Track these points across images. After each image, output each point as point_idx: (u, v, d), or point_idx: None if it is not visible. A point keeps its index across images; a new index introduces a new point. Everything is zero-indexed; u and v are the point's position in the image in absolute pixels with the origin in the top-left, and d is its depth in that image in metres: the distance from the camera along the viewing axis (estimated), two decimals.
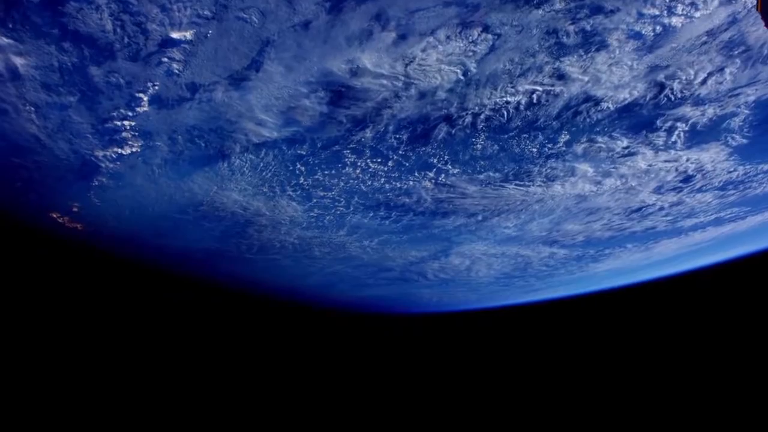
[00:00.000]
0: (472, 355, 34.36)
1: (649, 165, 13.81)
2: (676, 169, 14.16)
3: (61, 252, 19.11)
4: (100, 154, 12.84)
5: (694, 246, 22.72)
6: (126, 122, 11.57)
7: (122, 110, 11.21)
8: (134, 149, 12.57)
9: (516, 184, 14.19)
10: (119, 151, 12.68)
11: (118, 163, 13.30)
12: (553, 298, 33.60)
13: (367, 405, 24.96)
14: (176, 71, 9.97)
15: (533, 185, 14.37)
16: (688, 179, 14.77)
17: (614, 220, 17.46)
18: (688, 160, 13.73)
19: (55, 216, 17.66)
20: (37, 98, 10.90)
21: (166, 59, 9.72)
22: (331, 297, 27.64)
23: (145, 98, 10.81)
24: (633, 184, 14.84)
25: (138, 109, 11.10)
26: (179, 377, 22.16)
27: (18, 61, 9.84)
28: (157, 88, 10.47)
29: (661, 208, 16.81)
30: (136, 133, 12.02)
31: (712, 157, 13.72)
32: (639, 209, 16.72)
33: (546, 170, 13.62)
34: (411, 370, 31.79)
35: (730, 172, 14.64)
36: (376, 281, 23.41)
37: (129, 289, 21.14)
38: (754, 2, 8.58)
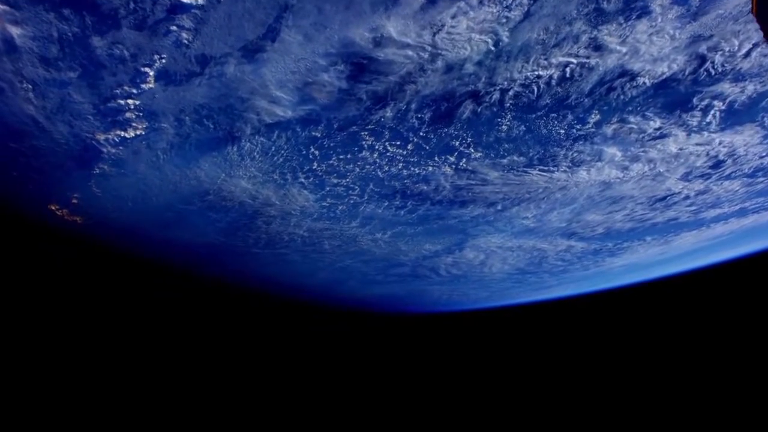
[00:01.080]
0: (482, 356, 33.57)
1: (680, 149, 13.14)
2: (707, 154, 13.49)
3: (60, 247, 18.31)
4: (101, 137, 12.09)
5: (713, 240, 22.05)
6: (130, 101, 10.84)
7: (126, 87, 10.47)
8: (138, 131, 11.82)
9: (540, 170, 13.50)
10: (122, 134, 11.93)
11: (120, 148, 12.55)
12: (564, 296, 32.90)
13: (376, 407, 24.14)
14: (185, 41, 9.25)
15: (558, 171, 13.68)
16: (718, 164, 14.11)
17: (637, 210, 16.77)
18: (720, 143, 13.07)
19: (53, 208, 16.88)
20: (35, 74, 10.16)
21: (174, 27, 9.00)
22: (339, 295, 26.85)
23: (151, 73, 10.08)
24: (661, 170, 14.16)
25: (143, 85, 10.37)
26: (180, 378, 21.33)
27: (14, 30, 9.11)
28: (164, 61, 9.75)
29: (687, 197, 16.14)
30: (141, 114, 11.28)
31: (746, 140, 13.06)
32: (664, 198, 16.04)
33: (572, 154, 12.93)
34: (419, 371, 30.98)
35: (762, 157, 13.98)
36: (386, 278, 22.66)
37: (130, 286, 20.33)
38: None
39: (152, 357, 20.03)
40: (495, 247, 19.05)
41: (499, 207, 15.58)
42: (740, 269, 25.78)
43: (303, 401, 23.26)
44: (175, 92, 10.53)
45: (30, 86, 10.43)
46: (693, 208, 17.20)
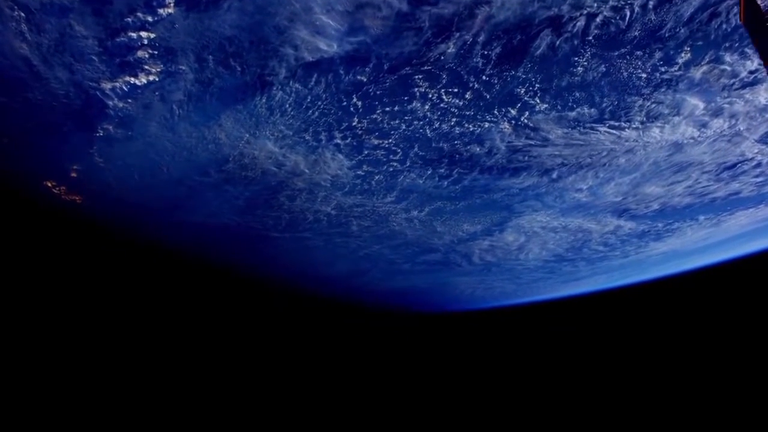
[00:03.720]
0: (501, 359, 31.64)
1: None
2: None
3: (58, 232, 16.34)
4: (107, 86, 10.28)
5: (766, 221, 20.49)
6: (143, 33, 9.06)
7: (140, 15, 8.70)
8: (151, 77, 10.03)
9: (609, 127, 11.83)
10: (132, 80, 10.13)
11: (129, 101, 10.73)
12: (592, 291, 31.16)
13: (386, 413, 22.12)
14: None
15: (629, 128, 12.02)
16: None
17: (701, 181, 15.14)
18: None
19: (49, 185, 14.97)
20: None
21: None
22: (357, 288, 24.93)
23: None
24: (741, 128, 12.54)
25: (161, 10, 8.61)
26: (181, 374, 19.29)
27: None
28: None
29: (758, 165, 14.53)
30: (155, 52, 9.50)
31: None
32: (733, 166, 14.43)
33: (650, 105, 11.28)
34: (435, 376, 28.98)
35: None
36: (413, 266, 20.82)
37: (133, 276, 18.34)
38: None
39: (157, 352, 18.01)
40: (539, 227, 17.31)
41: (554, 176, 13.88)
42: None
43: (303, 402, 21.21)
44: (199, 20, 8.77)
45: (23, 14, 8.64)
46: (760, 179, 15.61)
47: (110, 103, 10.68)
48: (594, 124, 11.75)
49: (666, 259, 25.03)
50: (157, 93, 10.53)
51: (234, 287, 21.36)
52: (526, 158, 12.82)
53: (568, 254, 20.73)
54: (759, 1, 5.09)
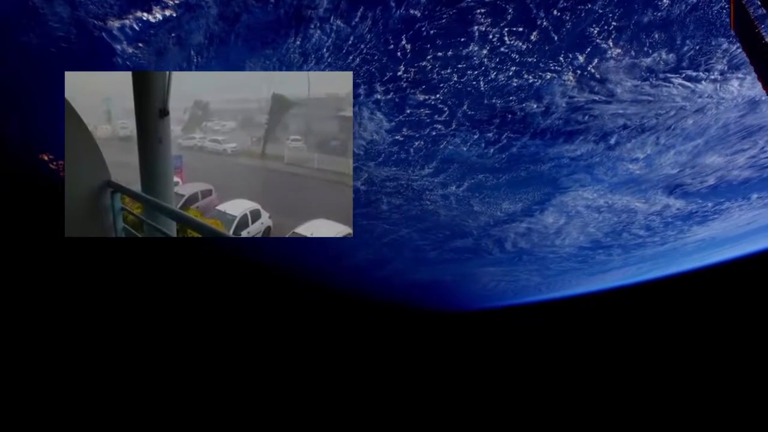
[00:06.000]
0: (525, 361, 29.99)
1: None
2: None
3: (55, 218, 14.68)
4: (115, 24, 8.77)
5: None
6: None
7: None
8: (168, 11, 8.53)
9: (684, 78, 10.46)
10: (144, 16, 8.63)
11: (140, 45, 9.23)
12: (617, 286, 29.71)
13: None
14: None
15: (705, 80, 10.66)
16: None
17: (766, 150, 13.77)
18: None
19: (45, 159, 13.38)
20: None
21: None
22: (374, 282, 23.32)
23: None
24: None
25: None
26: (181, 375, 17.56)
27: None
28: None
29: None
30: None
31: None
32: None
33: (735, 50, 9.90)
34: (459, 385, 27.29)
35: None
36: (441, 254, 19.29)
37: (136, 267, 16.69)
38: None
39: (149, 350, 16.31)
40: (583, 206, 15.88)
41: (611, 141, 12.47)
42: None
43: (306, 405, 19.49)
44: None
45: None
46: None
47: (118, 47, 9.17)
48: (669, 74, 10.37)
49: (701, 248, 23.67)
50: (173, 34, 9.04)
51: (237, 285, 19.72)
52: (586, 118, 11.40)
53: (606, 240, 19.30)
54: (749, 10, 5.28)
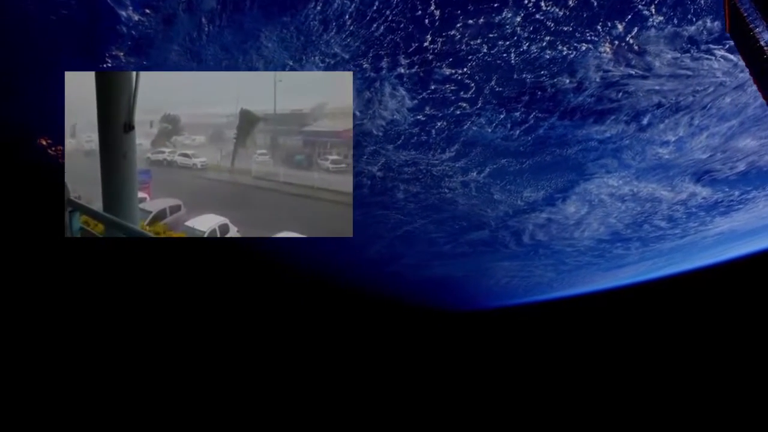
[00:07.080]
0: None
1: None
2: None
3: (53, 207, 13.93)
4: None
5: None
6: None
7: None
8: None
9: (727, 50, 9.80)
10: None
11: (148, 12, 8.53)
12: (632, 283, 29.02)
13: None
14: None
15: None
16: None
17: None
18: None
19: (44, 143, 12.65)
20: None
21: None
22: (382, 280, 22.58)
23: None
24: None
25: None
26: (179, 368, 16.87)
27: None
28: None
29: None
30: None
31: None
32: None
33: None
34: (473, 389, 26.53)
35: None
36: (455, 248, 18.58)
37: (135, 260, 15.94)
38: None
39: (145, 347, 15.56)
40: (607, 194, 15.22)
41: (644, 121, 11.81)
42: None
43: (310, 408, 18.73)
44: None
45: None
46: None
47: (123, 14, 8.47)
48: (711, 45, 9.70)
49: (720, 242, 23.03)
50: (182, 3, 8.35)
51: (241, 281, 18.96)
52: (620, 95, 10.74)
53: (626, 232, 18.64)
54: (744, 14, 5.18)
